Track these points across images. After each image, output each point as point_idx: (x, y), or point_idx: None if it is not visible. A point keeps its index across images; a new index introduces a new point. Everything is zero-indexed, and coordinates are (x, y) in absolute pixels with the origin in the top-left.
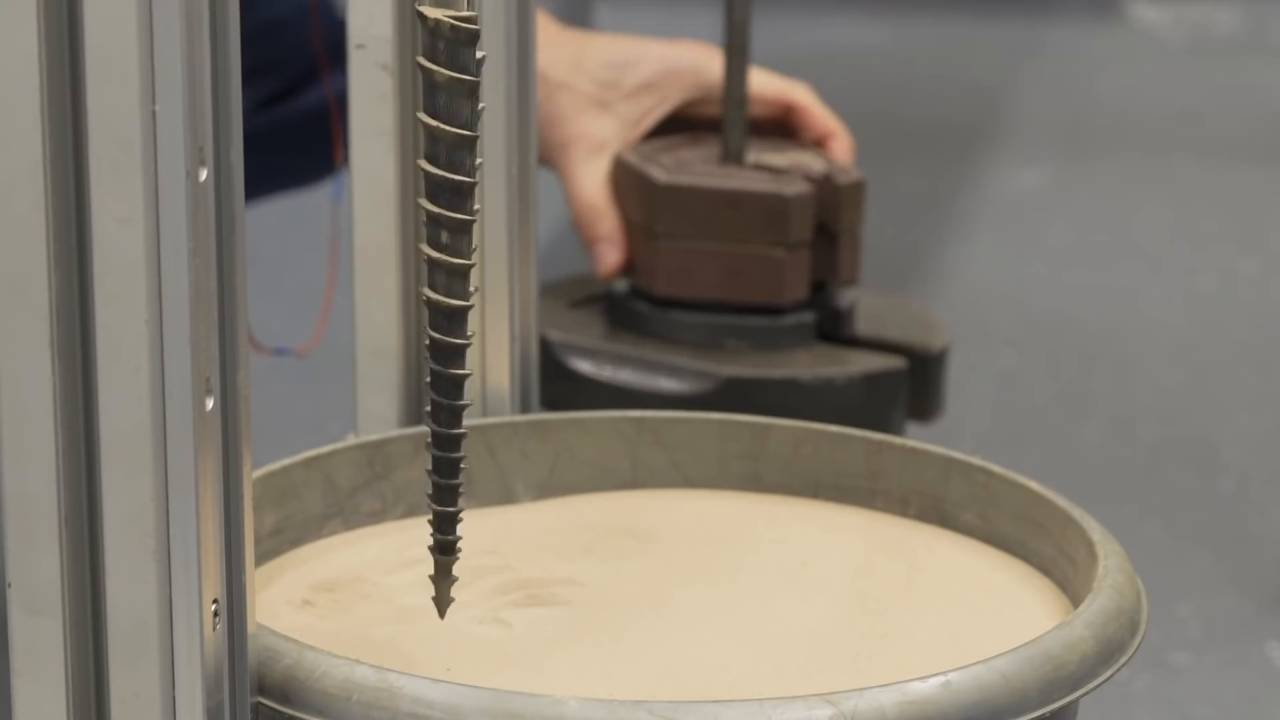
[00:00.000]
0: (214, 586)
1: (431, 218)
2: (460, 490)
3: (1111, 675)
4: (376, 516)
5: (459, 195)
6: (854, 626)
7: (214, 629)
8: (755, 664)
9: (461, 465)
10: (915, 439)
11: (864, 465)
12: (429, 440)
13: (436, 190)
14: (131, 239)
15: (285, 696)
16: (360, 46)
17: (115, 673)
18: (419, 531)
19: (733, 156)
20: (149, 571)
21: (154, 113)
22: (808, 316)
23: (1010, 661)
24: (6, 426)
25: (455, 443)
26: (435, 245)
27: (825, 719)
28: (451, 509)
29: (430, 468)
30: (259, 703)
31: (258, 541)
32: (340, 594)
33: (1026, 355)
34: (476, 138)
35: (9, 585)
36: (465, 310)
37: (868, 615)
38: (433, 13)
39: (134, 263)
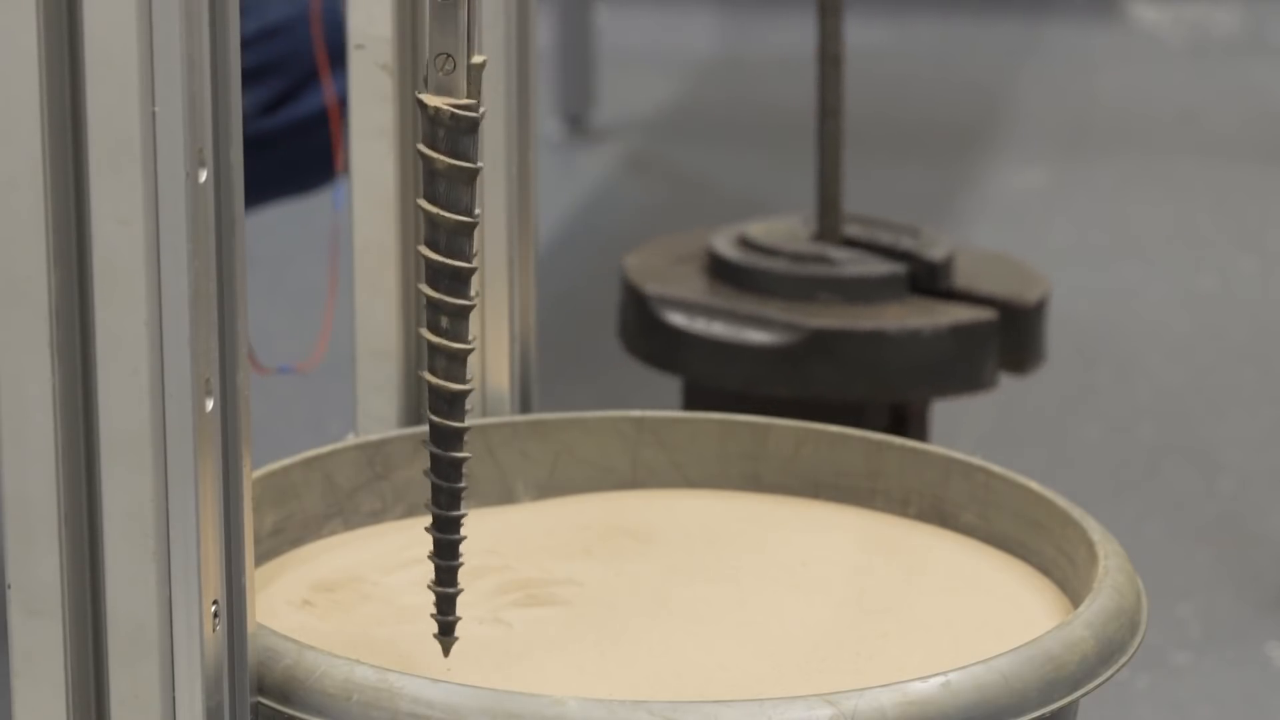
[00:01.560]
0: (214, 587)
1: (432, 303)
2: (459, 565)
3: (1111, 675)
4: (376, 516)
5: (458, 281)
6: (854, 626)
7: (214, 629)
8: (755, 664)
9: (461, 544)
10: (915, 437)
11: (864, 465)
12: (429, 525)
13: (436, 275)
14: (131, 239)
15: (285, 696)
16: (360, 46)
17: (115, 673)
18: (419, 531)
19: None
20: (149, 572)
21: (154, 113)
22: (901, 269)
23: (1010, 661)
24: (6, 426)
25: (455, 524)
26: (435, 330)
27: (825, 719)
28: (451, 590)
29: (432, 550)
30: (259, 703)
31: (258, 541)
32: (340, 594)
33: None
34: (476, 224)
35: (9, 586)
36: (465, 394)
37: (868, 615)
38: (433, 101)
39: (134, 263)
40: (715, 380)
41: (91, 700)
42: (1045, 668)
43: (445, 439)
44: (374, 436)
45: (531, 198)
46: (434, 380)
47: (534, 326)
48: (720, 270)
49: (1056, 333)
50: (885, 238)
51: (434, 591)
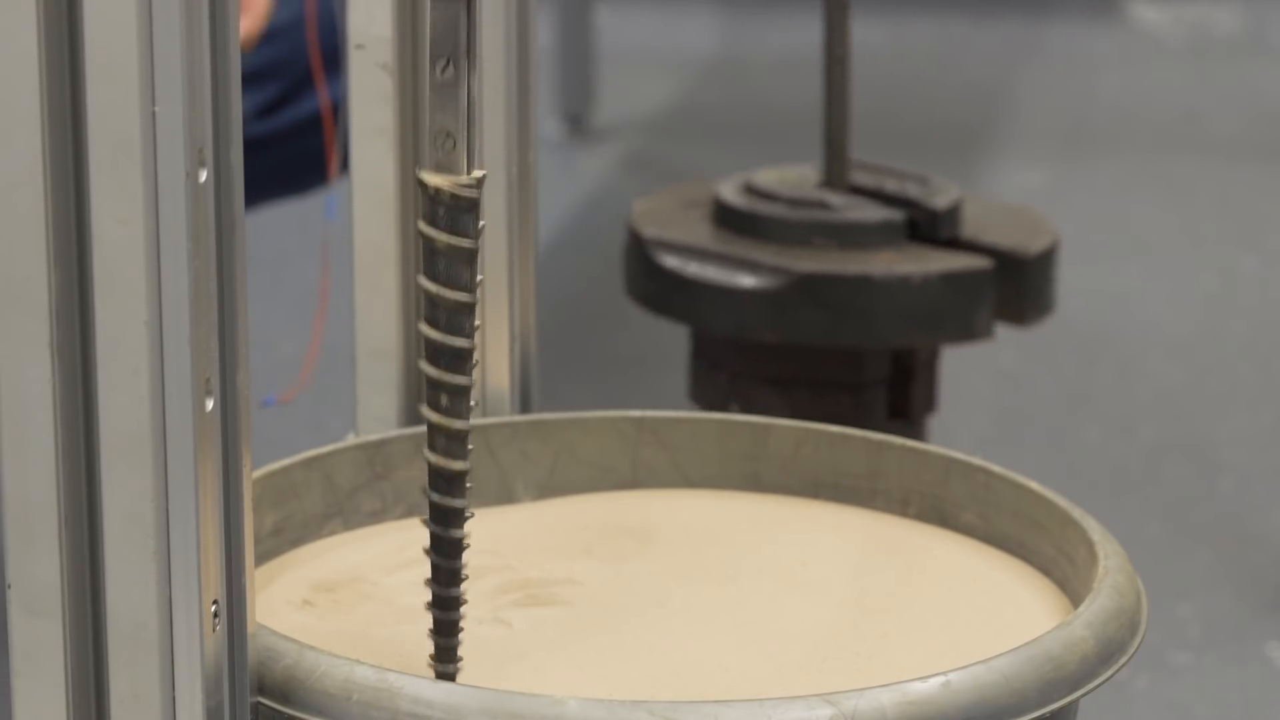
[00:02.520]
0: (214, 587)
1: (431, 381)
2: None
3: (1111, 675)
4: (376, 516)
5: (459, 359)
6: (854, 626)
7: (214, 629)
8: (755, 664)
9: (459, 626)
10: (915, 437)
11: (864, 465)
12: (429, 602)
13: (436, 354)
14: (131, 239)
15: (285, 696)
16: (360, 46)
17: (115, 674)
18: (419, 531)
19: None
20: (149, 572)
21: (154, 113)
22: (897, 216)
23: (1010, 661)
24: (6, 426)
25: (454, 603)
26: (435, 408)
27: (825, 719)
28: (451, 641)
29: (431, 628)
30: (259, 703)
31: (258, 541)
32: (340, 594)
33: (1026, 355)
34: (476, 302)
35: (9, 586)
36: (465, 473)
37: (868, 615)
38: (433, 180)
39: (134, 263)
40: (708, 325)
41: (91, 700)
42: (1045, 668)
43: (445, 518)
44: (374, 436)
45: (531, 198)
46: (434, 459)
47: (534, 326)
48: (722, 216)
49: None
50: (891, 185)
51: (433, 640)
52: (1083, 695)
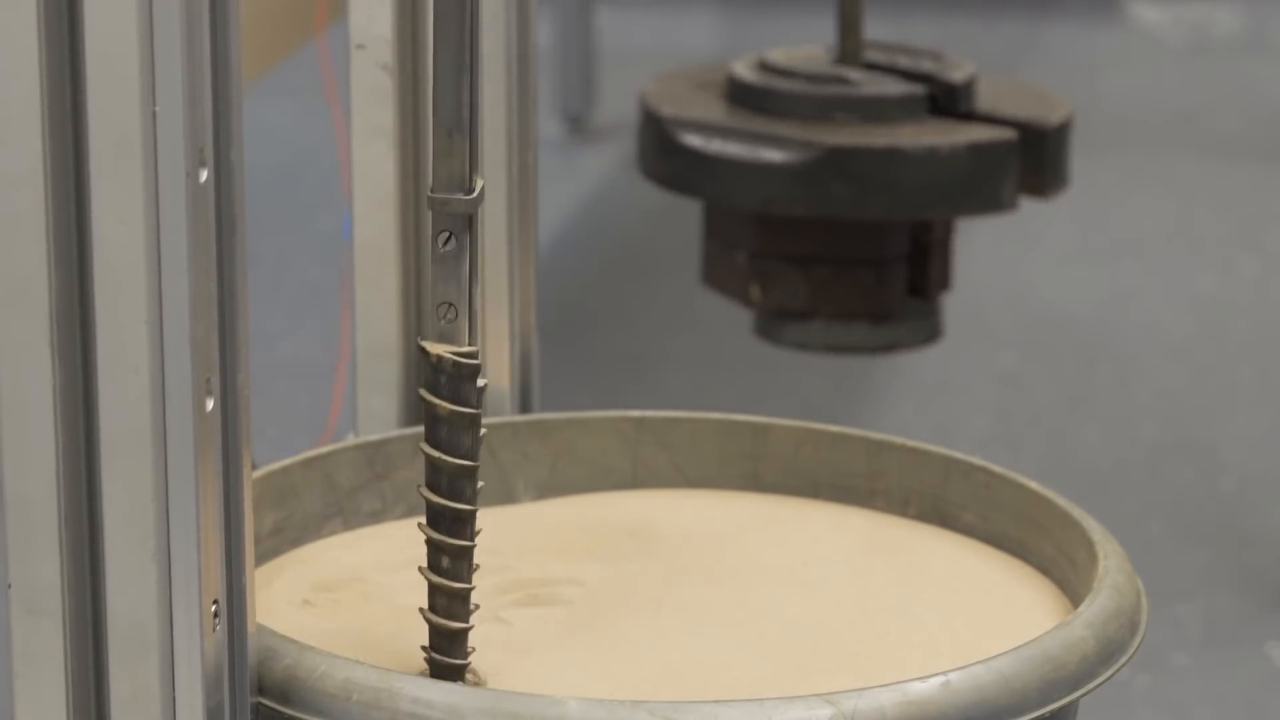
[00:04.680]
0: (214, 587)
1: (433, 544)
2: None
3: (1111, 675)
4: (376, 516)
5: (460, 522)
6: (854, 626)
7: (214, 629)
8: (755, 664)
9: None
10: (916, 435)
11: (864, 465)
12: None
13: (438, 517)
14: (132, 239)
15: (285, 696)
16: (360, 46)
17: (115, 673)
18: (418, 531)
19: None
20: (149, 572)
21: (154, 113)
22: (919, 90)
23: (1010, 661)
24: (6, 426)
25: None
26: (436, 570)
27: (825, 719)
28: None
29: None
30: (259, 703)
31: (258, 541)
32: (340, 594)
33: (1026, 355)
34: (478, 467)
35: (9, 586)
36: (466, 631)
37: (868, 615)
38: (435, 348)
39: (134, 263)
40: (733, 200)
41: (91, 700)
42: (1045, 668)
43: (445, 674)
44: (374, 436)
45: (531, 198)
46: (434, 619)
47: (534, 326)
48: (738, 94)
49: (1057, 333)
50: (905, 61)
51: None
52: (1083, 695)
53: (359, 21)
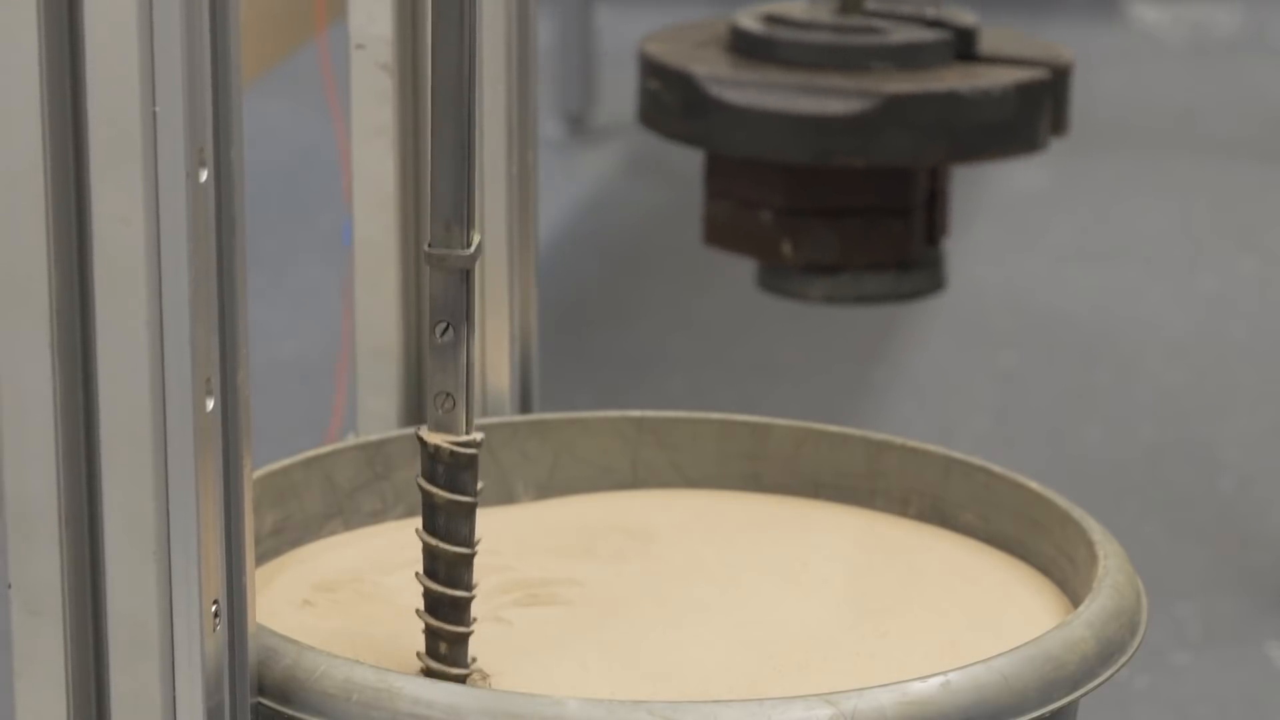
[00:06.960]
0: (214, 587)
1: (431, 630)
2: None
3: (1111, 675)
4: (376, 516)
5: (457, 609)
6: (854, 626)
7: (214, 629)
8: (755, 664)
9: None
10: (916, 435)
11: (864, 465)
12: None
13: (436, 605)
14: (131, 239)
15: (285, 696)
16: (360, 46)
17: (115, 673)
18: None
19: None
20: (149, 572)
21: (154, 113)
22: (948, 35)
23: (1010, 661)
24: (6, 426)
25: None
26: (434, 656)
27: (825, 719)
28: None
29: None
30: (259, 703)
31: (258, 541)
32: (340, 594)
33: (1026, 355)
34: (475, 554)
35: (9, 586)
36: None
37: (868, 615)
38: (432, 438)
39: (134, 263)
40: (783, 154)
41: (91, 700)
42: (1045, 668)
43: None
44: (374, 436)
45: (531, 198)
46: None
47: (534, 326)
48: (751, 48)
49: (1057, 333)
50: (907, 8)
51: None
52: (1083, 695)
53: (359, 21)
